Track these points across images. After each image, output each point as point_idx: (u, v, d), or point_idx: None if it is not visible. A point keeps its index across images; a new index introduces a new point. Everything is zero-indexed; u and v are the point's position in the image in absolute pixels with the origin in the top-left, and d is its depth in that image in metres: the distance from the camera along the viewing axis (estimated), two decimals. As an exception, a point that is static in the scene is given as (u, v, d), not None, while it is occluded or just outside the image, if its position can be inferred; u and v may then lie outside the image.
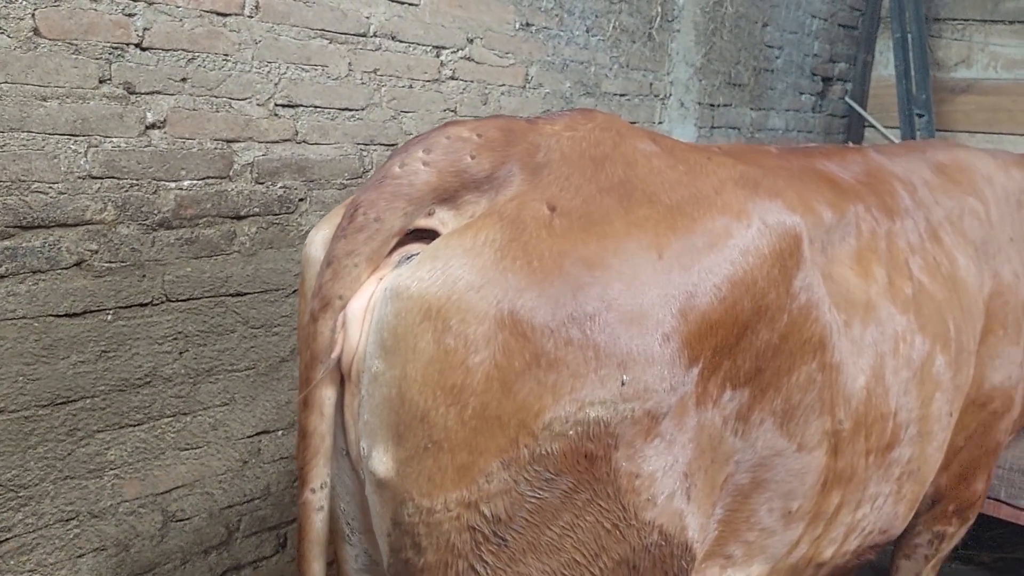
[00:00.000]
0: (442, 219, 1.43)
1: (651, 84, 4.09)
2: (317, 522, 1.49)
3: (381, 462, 1.36)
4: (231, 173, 2.50)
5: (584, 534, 1.38)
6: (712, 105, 4.52)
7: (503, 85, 3.30)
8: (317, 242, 1.53)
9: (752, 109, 4.85)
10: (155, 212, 2.34)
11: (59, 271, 2.18)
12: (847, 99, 5.66)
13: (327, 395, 1.42)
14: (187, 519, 2.58)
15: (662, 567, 1.48)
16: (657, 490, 1.42)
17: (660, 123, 4.21)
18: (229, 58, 2.45)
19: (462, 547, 1.35)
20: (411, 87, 2.95)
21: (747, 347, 1.53)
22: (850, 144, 5.44)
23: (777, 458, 1.70)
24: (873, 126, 5.64)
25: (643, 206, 1.47)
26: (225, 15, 2.42)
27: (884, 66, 5.58)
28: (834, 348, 1.75)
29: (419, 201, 1.40)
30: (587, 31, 3.63)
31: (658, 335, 1.36)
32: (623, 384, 1.34)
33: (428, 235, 1.43)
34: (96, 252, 2.24)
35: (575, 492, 1.35)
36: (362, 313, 1.40)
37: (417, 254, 1.39)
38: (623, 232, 1.41)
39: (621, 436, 1.35)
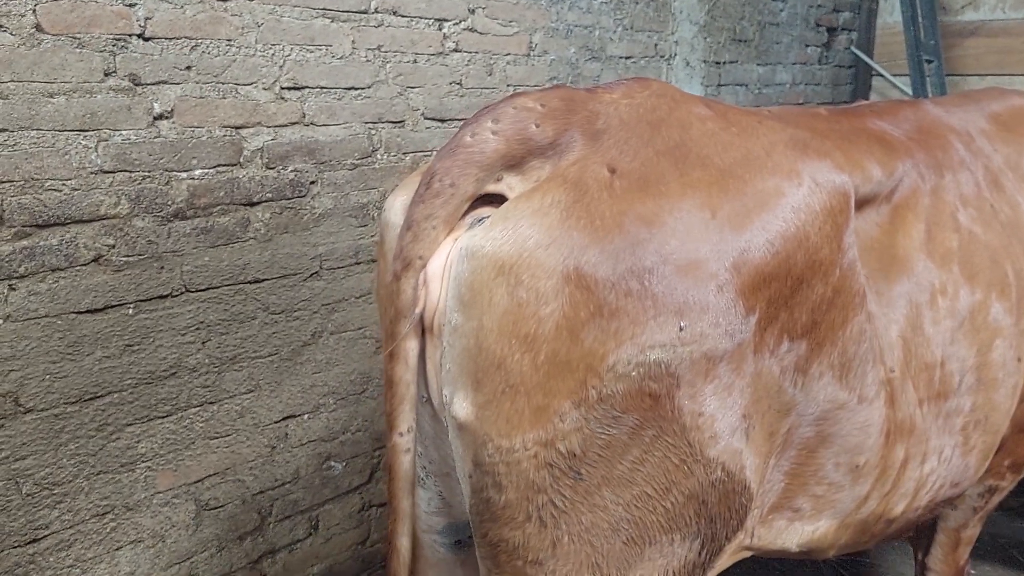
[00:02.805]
0: (510, 184, 1.53)
1: (656, 45, 4.04)
2: (405, 463, 1.59)
3: (462, 407, 1.46)
4: (241, 160, 2.48)
5: (654, 468, 1.49)
6: (718, 63, 4.46)
7: (508, 54, 3.26)
8: (396, 208, 1.64)
9: (759, 64, 4.79)
10: (169, 203, 2.33)
11: (78, 268, 2.17)
12: (853, 49, 5.58)
13: (411, 347, 1.53)
14: (220, 507, 2.59)
15: (726, 503, 1.59)
16: (719, 428, 1.52)
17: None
18: (233, 43, 2.43)
19: (541, 483, 1.45)
20: (416, 62, 2.92)
21: (803, 300, 1.61)
22: (859, 101, 5.38)
23: (840, 411, 1.77)
24: (881, 75, 5.56)
25: (697, 168, 1.55)
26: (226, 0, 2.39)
27: (889, 13, 5.49)
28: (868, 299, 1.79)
29: (489, 168, 1.50)
30: (589, -5, 3.58)
31: (712, 286, 1.45)
32: (681, 329, 1.43)
33: (497, 199, 1.53)
34: (113, 247, 2.23)
35: (642, 429, 1.45)
36: (441, 271, 1.50)
37: (488, 216, 1.48)
38: (678, 192, 1.49)
39: (682, 376, 1.45)
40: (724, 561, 1.80)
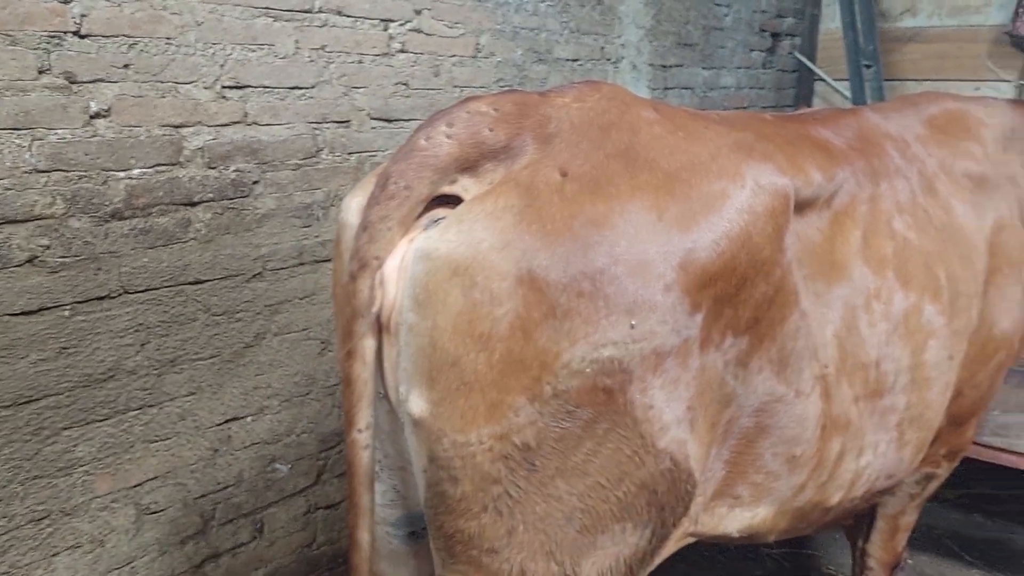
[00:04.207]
0: (465, 186, 1.56)
1: (602, 48, 4.08)
2: (364, 458, 1.62)
3: (418, 404, 1.50)
4: (181, 159, 2.46)
5: (606, 460, 1.54)
6: (664, 66, 4.52)
7: (454, 56, 3.27)
8: (352, 208, 1.66)
9: (704, 68, 4.86)
10: (106, 203, 2.30)
11: (11, 269, 2.13)
12: (796, 54, 5.69)
13: (368, 346, 1.56)
14: (161, 511, 2.56)
15: (674, 491, 1.65)
16: (667, 420, 1.58)
17: (613, 87, 4.20)
18: (172, 41, 2.40)
19: (496, 475, 1.50)
20: (361, 62, 2.91)
21: (746, 298, 1.68)
22: (803, 107, 5.49)
23: (778, 404, 1.84)
24: (823, 79, 5.68)
25: (645, 171, 1.60)
26: (165, -2, 2.37)
27: (831, 19, 5.60)
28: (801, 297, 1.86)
29: (444, 170, 1.54)
30: (535, -3, 3.61)
31: (660, 285, 1.51)
32: (632, 327, 1.49)
33: (452, 200, 1.56)
34: (48, 247, 2.19)
35: (595, 422, 1.51)
36: (396, 272, 1.54)
37: (443, 218, 1.52)
38: (627, 195, 1.55)
39: (634, 372, 1.51)
40: (669, 547, 1.87)
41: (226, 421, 2.69)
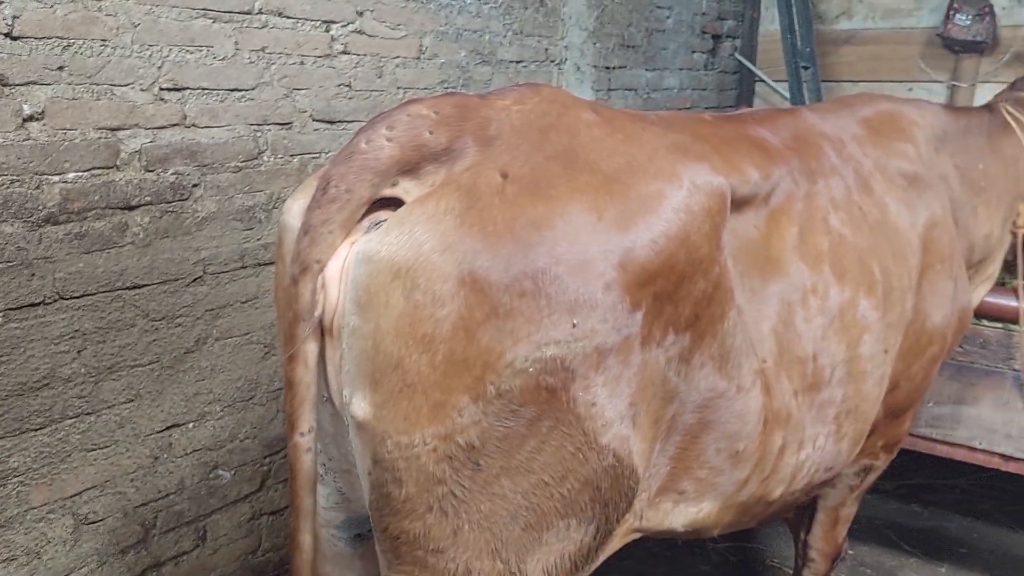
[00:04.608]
0: (406, 188, 1.57)
1: (546, 49, 4.10)
2: (307, 462, 1.62)
3: (361, 406, 1.50)
4: (118, 162, 2.41)
5: (550, 457, 1.56)
6: (608, 68, 4.56)
7: (397, 57, 3.26)
8: (294, 211, 1.64)
9: (647, 70, 4.92)
10: (40, 208, 2.25)
11: (-60, 276, 2.08)
12: (737, 55, 5.79)
13: (310, 349, 1.56)
14: (100, 520, 2.51)
15: (617, 487, 1.68)
16: (610, 417, 1.60)
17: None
18: (107, 43, 2.36)
19: (441, 475, 1.50)
20: (302, 64, 2.89)
21: (686, 295, 1.70)
22: (742, 107, 5.58)
23: (720, 399, 1.87)
24: (763, 81, 5.79)
25: (585, 173, 1.62)
26: (99, -1, 2.33)
27: (770, 21, 5.71)
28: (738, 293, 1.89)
29: (384, 173, 1.54)
30: (478, -1, 3.61)
31: (600, 284, 1.53)
32: (574, 326, 1.50)
33: (394, 203, 1.56)
34: (-21, 253, 2.14)
35: (539, 420, 1.53)
36: (338, 275, 1.53)
37: (385, 221, 1.52)
38: (567, 196, 1.56)
39: (576, 370, 1.53)
40: (615, 544, 1.89)
41: (166, 428, 2.65)
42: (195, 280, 2.65)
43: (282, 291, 1.64)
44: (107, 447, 2.49)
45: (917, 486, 4.42)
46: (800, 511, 3.08)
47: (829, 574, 3.07)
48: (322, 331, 1.58)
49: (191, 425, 2.73)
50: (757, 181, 2.01)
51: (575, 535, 1.66)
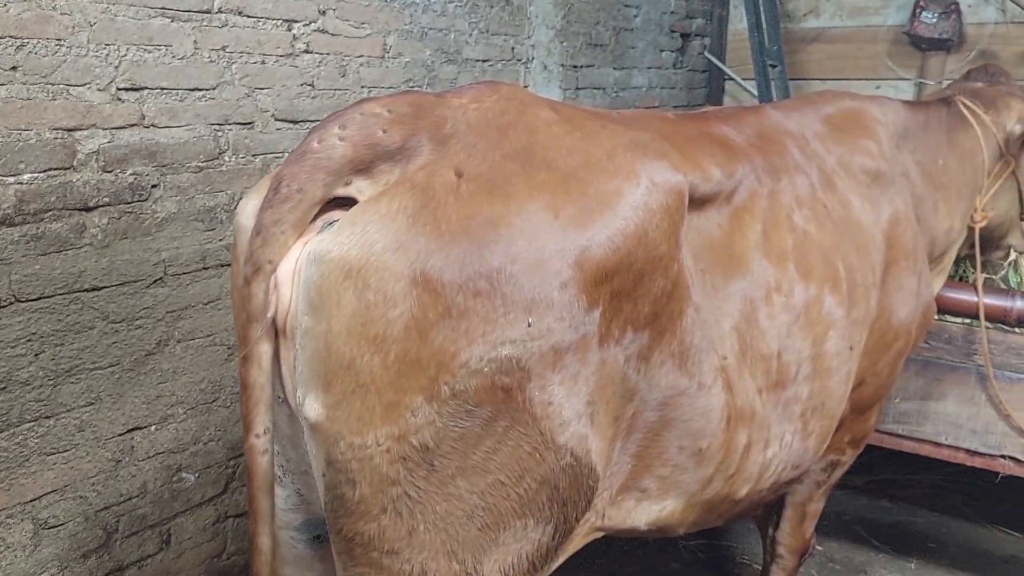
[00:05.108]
0: (359, 188, 1.55)
1: (513, 48, 4.10)
2: (263, 464, 1.61)
3: (313, 407, 1.49)
4: (75, 163, 2.38)
5: (507, 457, 1.55)
6: (575, 66, 4.57)
7: (361, 56, 3.25)
8: (247, 212, 1.63)
9: (615, 69, 4.93)
10: (-7, 209, 2.22)
11: None
12: (706, 54, 5.81)
13: (264, 350, 1.55)
14: (60, 525, 2.48)
15: (576, 486, 1.67)
16: (567, 416, 1.60)
17: (525, 87, 4.23)
18: (63, 43, 2.33)
19: (395, 476, 1.49)
20: (264, 63, 2.87)
21: (645, 293, 1.70)
22: (707, 105, 5.61)
23: (681, 397, 1.87)
24: (732, 79, 5.82)
25: (542, 171, 1.61)
26: (54, -3, 2.30)
27: (739, 20, 5.73)
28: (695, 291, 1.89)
29: (337, 172, 1.52)
30: (444, -2, 3.60)
31: (556, 283, 1.52)
32: (529, 325, 1.50)
33: (347, 202, 1.55)
34: (-70, 256, 2.11)
35: (495, 420, 1.52)
36: (291, 275, 1.52)
37: (338, 220, 1.51)
38: (524, 195, 1.55)
39: (532, 369, 1.52)
40: (577, 543, 1.90)
41: (128, 431, 2.62)
42: (156, 281, 2.63)
43: (236, 292, 1.62)
44: (67, 451, 2.46)
45: (886, 481, 4.45)
46: (768, 508, 3.10)
47: (797, 569, 3.09)
48: (276, 332, 1.56)
49: (153, 428, 2.70)
50: (720, 179, 2.01)
51: (533, 535, 1.66)
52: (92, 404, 2.51)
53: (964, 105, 3.03)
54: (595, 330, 1.61)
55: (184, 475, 2.81)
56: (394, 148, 1.55)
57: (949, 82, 3.92)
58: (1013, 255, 3.52)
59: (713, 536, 3.95)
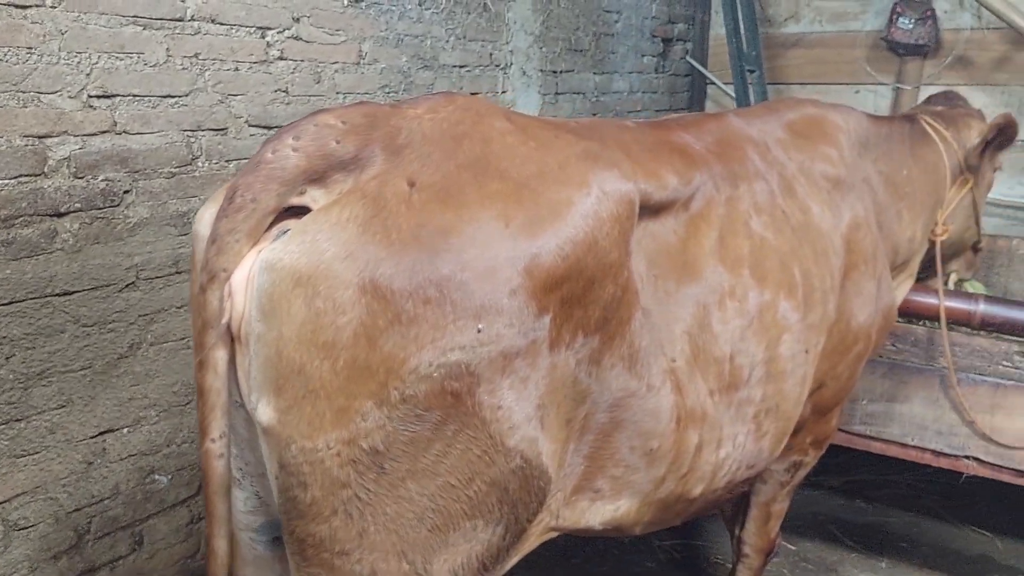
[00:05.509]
0: (313, 197, 1.58)
1: (491, 54, 4.14)
2: (219, 467, 1.64)
3: (266, 412, 1.52)
4: (46, 169, 2.42)
5: (456, 460, 1.59)
6: (555, 72, 4.61)
7: (336, 63, 3.29)
8: (204, 220, 1.66)
9: (595, 73, 4.97)
10: (-36, 215, 2.26)
11: None
12: (688, 59, 5.86)
13: (220, 356, 1.58)
14: (31, 526, 2.52)
15: (526, 488, 1.71)
16: (517, 419, 1.63)
17: (504, 92, 4.27)
18: (34, 51, 2.37)
19: (345, 479, 1.53)
20: (237, 70, 2.91)
21: (595, 299, 1.74)
22: (708, 109, 5.66)
23: (631, 399, 1.91)
24: (714, 83, 5.86)
25: (495, 181, 1.65)
26: (25, 7, 2.33)
27: (720, 25, 5.77)
28: (644, 295, 1.93)
29: (291, 183, 1.55)
30: (420, 4, 3.64)
31: (506, 290, 1.57)
32: (479, 332, 1.53)
33: (303, 211, 1.58)
34: (-100, 261, 2.15)
35: (444, 424, 1.55)
36: (244, 283, 1.55)
37: (291, 229, 1.54)
38: (476, 204, 1.59)
39: (481, 374, 1.56)
40: (531, 543, 1.93)
41: (100, 433, 2.66)
42: (128, 285, 2.67)
43: (193, 299, 1.66)
44: (38, 452, 2.50)
45: (862, 482, 4.49)
46: (735, 508, 3.15)
47: (763, 568, 3.13)
48: (232, 338, 1.60)
49: (126, 430, 2.74)
50: (676, 187, 2.05)
51: (483, 536, 1.69)
52: (64, 407, 2.54)
53: (927, 122, 3.09)
54: (545, 335, 1.64)
55: (157, 477, 2.85)
56: (348, 158, 1.58)
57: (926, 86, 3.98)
58: (954, 278, 3.60)
59: (688, 536, 4.00)
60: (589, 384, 1.80)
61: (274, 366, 1.51)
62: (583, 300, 1.71)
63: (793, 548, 3.91)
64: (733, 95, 5.60)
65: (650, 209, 1.97)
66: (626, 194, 1.83)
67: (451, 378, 1.53)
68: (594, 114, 4.95)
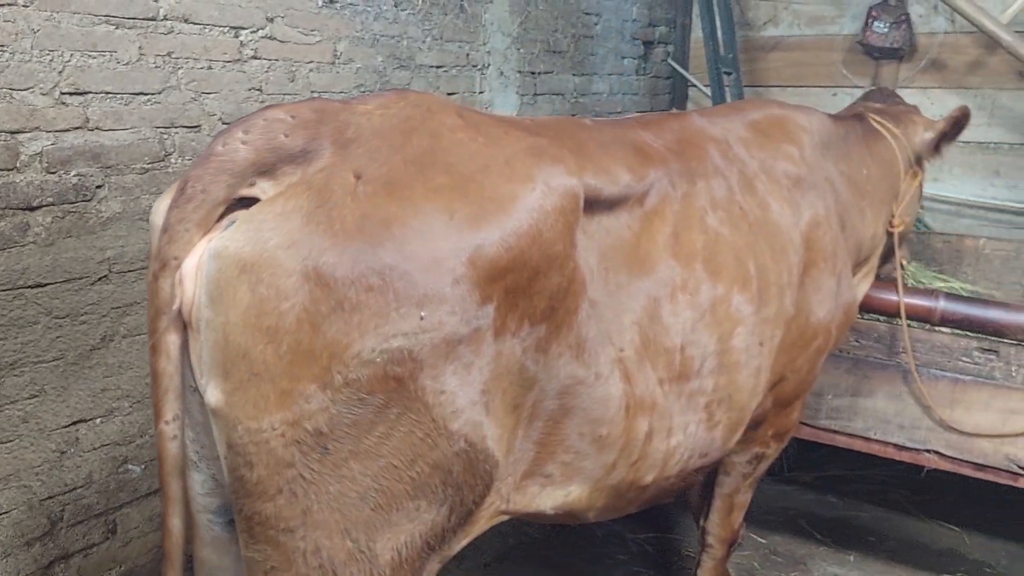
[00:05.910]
0: (263, 188, 1.64)
1: (468, 55, 4.20)
2: (172, 449, 1.71)
3: (214, 394, 1.58)
4: (18, 164, 2.48)
5: (399, 442, 1.64)
6: (533, 73, 4.67)
7: (311, 62, 3.35)
8: (159, 211, 1.70)
9: (574, 75, 5.03)
10: (-64, 208, 2.32)
11: None
12: (670, 61, 5.92)
13: (172, 340, 1.65)
14: (4, 513, 2.58)
15: (471, 470, 1.77)
16: (460, 404, 1.69)
17: (481, 93, 4.33)
18: (6, 49, 2.43)
19: (290, 459, 1.59)
20: (211, 68, 2.97)
21: (541, 289, 1.80)
22: (674, 110, 5.73)
23: (580, 386, 1.97)
24: (695, 85, 5.93)
25: (442, 174, 1.71)
26: (-3, 5, 2.40)
27: (701, 28, 5.86)
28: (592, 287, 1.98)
29: (240, 175, 1.61)
30: (396, 5, 3.70)
31: (449, 279, 1.62)
32: (422, 319, 1.59)
33: (253, 203, 1.64)
34: None
35: (387, 407, 1.61)
36: (194, 271, 1.61)
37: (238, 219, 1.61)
38: (422, 197, 1.65)
39: (424, 360, 1.61)
40: (481, 525, 1.99)
41: (73, 423, 2.72)
42: (101, 279, 2.72)
43: (148, 287, 1.72)
44: (10, 441, 2.56)
45: (834, 477, 4.55)
46: (700, 500, 3.21)
47: (727, 558, 3.19)
48: (185, 324, 1.66)
49: (99, 420, 2.79)
50: (628, 183, 2.10)
51: (426, 516, 1.75)
52: (36, 396, 2.60)
53: (876, 121, 3.16)
54: (489, 324, 1.70)
55: (130, 467, 2.91)
56: (296, 151, 1.64)
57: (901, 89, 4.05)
58: (912, 268, 3.68)
59: (660, 529, 4.05)
60: (536, 372, 1.86)
61: (221, 350, 1.57)
62: (528, 290, 1.77)
63: (763, 542, 3.97)
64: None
65: (602, 204, 2.03)
66: (571, 188, 1.89)
67: (394, 363, 1.58)
68: (573, 115, 5.02)
